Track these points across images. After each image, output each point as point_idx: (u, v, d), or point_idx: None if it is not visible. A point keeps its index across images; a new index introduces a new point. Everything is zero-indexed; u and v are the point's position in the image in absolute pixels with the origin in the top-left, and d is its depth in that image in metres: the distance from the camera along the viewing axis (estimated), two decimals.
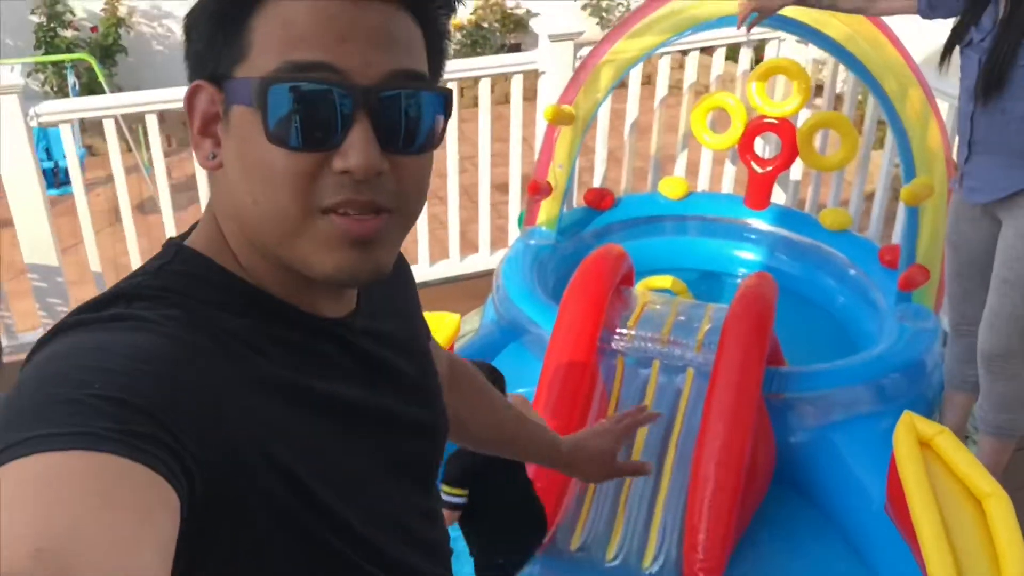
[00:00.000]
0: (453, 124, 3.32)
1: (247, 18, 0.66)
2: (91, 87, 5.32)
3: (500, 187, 3.83)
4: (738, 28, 2.62)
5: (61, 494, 0.51)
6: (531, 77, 3.50)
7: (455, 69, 3.29)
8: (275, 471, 0.68)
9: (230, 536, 0.66)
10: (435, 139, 0.71)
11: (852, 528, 2.43)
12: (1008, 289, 2.36)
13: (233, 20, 0.67)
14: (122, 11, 5.82)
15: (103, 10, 5.78)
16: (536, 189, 3.12)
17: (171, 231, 3.27)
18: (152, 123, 3.02)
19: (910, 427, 2.22)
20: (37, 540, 0.48)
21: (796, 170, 3.82)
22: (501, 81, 3.51)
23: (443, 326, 2.58)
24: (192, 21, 0.71)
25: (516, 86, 3.44)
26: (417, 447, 0.86)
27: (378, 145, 0.66)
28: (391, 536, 0.80)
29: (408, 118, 0.68)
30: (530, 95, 3.55)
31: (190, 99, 0.70)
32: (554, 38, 3.32)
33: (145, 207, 4.69)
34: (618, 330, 2.60)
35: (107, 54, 5.71)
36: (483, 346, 2.89)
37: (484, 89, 3.40)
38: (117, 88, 5.55)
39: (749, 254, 3.57)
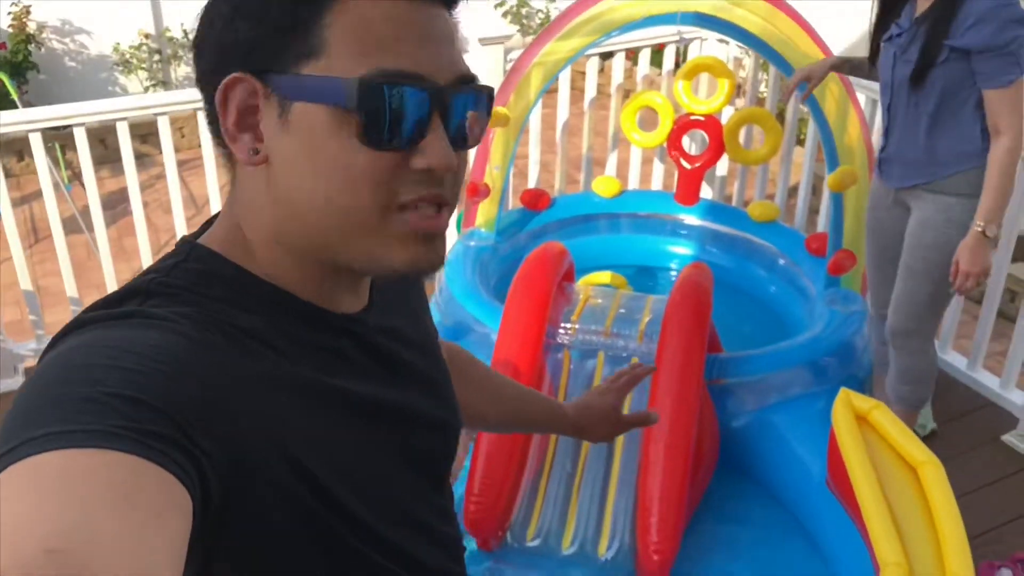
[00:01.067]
0: None
1: (320, 16, 0.65)
2: (2, 104, 5.16)
3: None
4: (785, 100, 2.71)
5: (74, 492, 0.51)
6: None
7: None
8: (292, 469, 0.67)
9: (247, 534, 0.65)
10: (481, 136, 0.74)
11: (796, 504, 2.52)
12: (909, 275, 2.51)
13: (306, 16, 0.65)
14: (31, 27, 5.67)
15: (11, 26, 5.61)
16: (474, 191, 3.16)
17: (104, 247, 3.20)
18: (81, 136, 2.96)
19: (847, 403, 2.31)
20: (48, 539, 0.48)
21: (722, 166, 3.94)
22: None
23: None
24: (231, 12, 0.67)
25: None
26: (433, 443, 0.87)
27: (449, 143, 0.69)
28: (409, 533, 0.81)
29: (467, 117, 0.71)
30: None
31: (226, 91, 0.67)
32: (484, 41, 3.36)
33: (67, 226, 4.56)
34: (562, 324, 2.65)
35: (17, 71, 5.54)
36: None
37: None
38: (29, 104, 5.40)
39: (682, 248, 3.67)
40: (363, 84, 0.65)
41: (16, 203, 4.77)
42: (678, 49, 3.81)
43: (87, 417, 0.55)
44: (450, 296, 2.99)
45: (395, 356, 0.82)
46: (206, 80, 0.70)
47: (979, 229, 2.28)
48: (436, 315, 3.09)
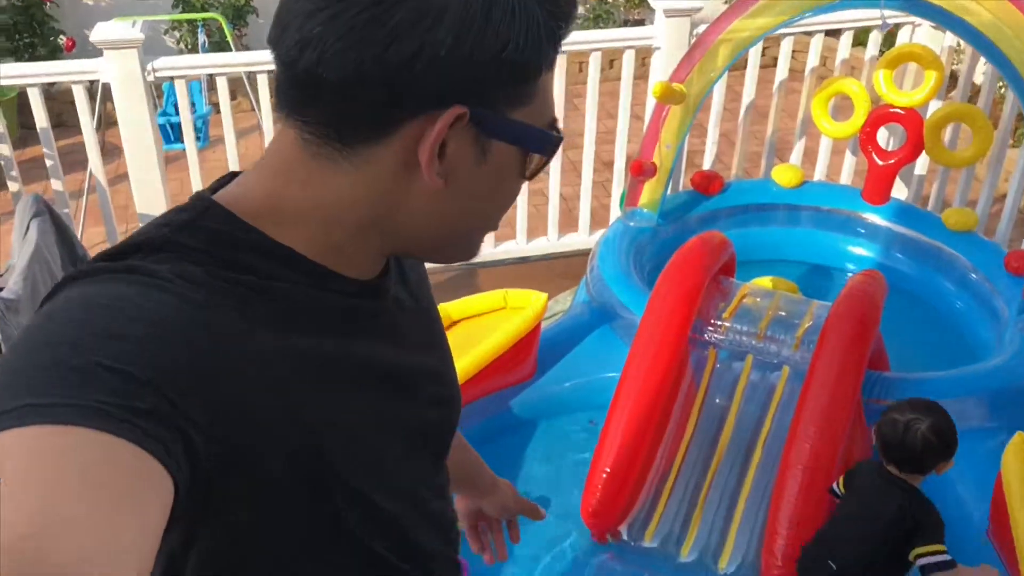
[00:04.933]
0: (563, 98, 3.26)
1: (544, 69, 0.69)
2: (220, 46, 5.46)
3: (607, 165, 3.74)
4: None
5: (45, 473, 0.50)
6: (644, 54, 3.39)
7: (567, 41, 3.21)
8: (296, 443, 0.66)
9: (241, 509, 0.65)
10: None
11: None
12: None
13: (538, 65, 0.68)
14: None
15: None
16: (639, 169, 3.03)
17: None
18: (263, 83, 3.06)
19: (1022, 448, 2.05)
20: (16, 525, 0.47)
21: (920, 165, 3.60)
22: (619, 58, 3.39)
23: (529, 304, 2.54)
24: (454, 42, 0.62)
25: (628, 62, 3.34)
26: (438, 418, 0.86)
27: None
28: (405, 508, 0.81)
29: None
30: (643, 73, 3.44)
31: (452, 121, 0.65)
32: (669, 13, 3.20)
33: None
34: (713, 320, 2.50)
35: (238, 15, 5.85)
36: (571, 327, 2.84)
37: (594, 63, 3.32)
38: (244, 48, 5.69)
39: (863, 250, 3.39)
40: (556, 135, 0.72)
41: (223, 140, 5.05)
42: (883, 33, 3.48)
43: (68, 390, 0.54)
44: (599, 276, 2.90)
45: (407, 326, 0.82)
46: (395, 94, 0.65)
47: None
48: (583, 295, 3.01)
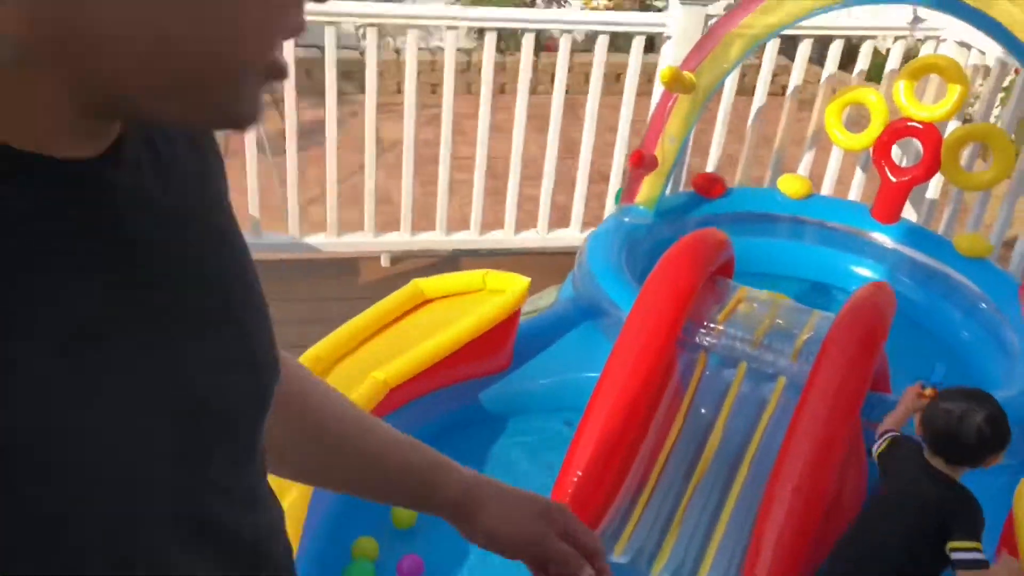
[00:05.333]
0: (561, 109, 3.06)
1: None
2: None
3: (603, 176, 3.55)
4: None
5: None
6: (650, 70, 3.19)
7: (569, 20, 3.05)
8: None
9: None
10: None
11: None
12: None
13: None
14: None
15: None
16: (639, 160, 2.84)
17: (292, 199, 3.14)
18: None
19: None
20: None
21: (932, 188, 3.43)
22: (624, 72, 3.20)
23: (510, 287, 2.34)
24: None
25: (636, 49, 3.16)
26: (224, 388, 0.56)
27: None
28: (170, 539, 0.53)
29: None
30: (646, 90, 3.23)
31: None
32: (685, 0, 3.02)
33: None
34: (705, 323, 2.30)
35: None
36: (554, 321, 2.64)
37: (600, 48, 3.13)
38: None
39: (868, 271, 3.20)
40: None
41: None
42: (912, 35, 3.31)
43: None
44: (588, 271, 2.70)
45: (154, 240, 0.51)
46: None
47: None
48: (569, 290, 2.82)
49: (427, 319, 2.31)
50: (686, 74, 2.75)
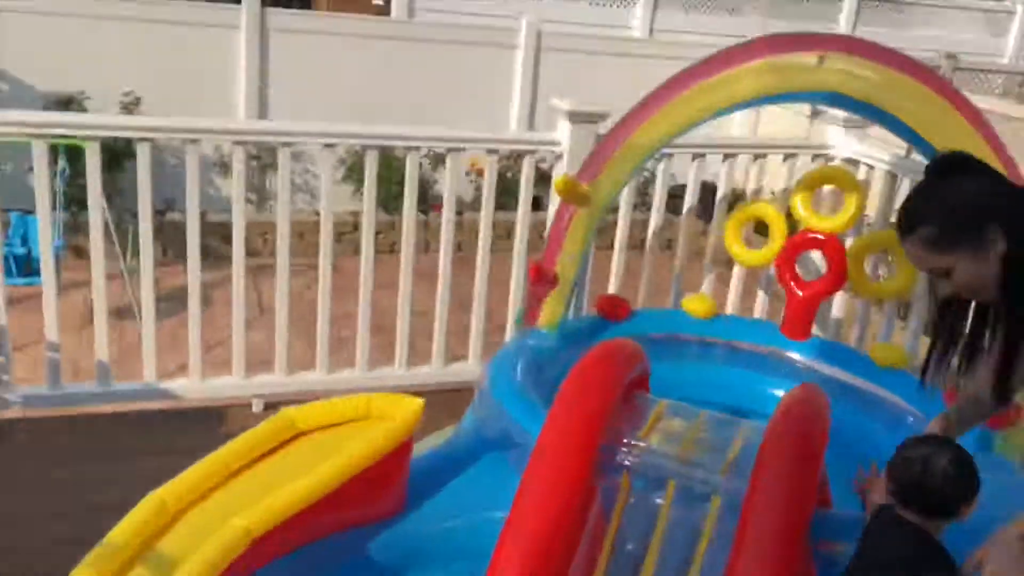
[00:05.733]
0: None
1: None
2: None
3: (499, 315, 3.36)
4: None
5: None
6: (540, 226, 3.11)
7: (456, 139, 2.90)
8: None
9: None
10: None
11: None
12: None
13: None
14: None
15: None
16: (539, 275, 2.63)
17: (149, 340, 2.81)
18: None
19: None
20: None
21: (836, 307, 3.33)
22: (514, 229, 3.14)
23: (399, 411, 2.03)
24: None
25: (527, 168, 3.03)
26: None
27: None
28: None
29: None
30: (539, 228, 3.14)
31: None
32: (575, 117, 2.92)
33: (122, 313, 4.24)
34: (625, 441, 2.02)
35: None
36: (452, 454, 2.32)
37: (492, 169, 2.98)
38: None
39: (783, 391, 3.00)
40: None
41: (78, 285, 4.47)
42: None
43: None
44: (490, 395, 2.41)
45: None
46: None
47: None
48: (470, 419, 2.51)
49: (300, 455, 1.95)
50: (581, 186, 2.60)
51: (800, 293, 3.00)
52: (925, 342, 3.10)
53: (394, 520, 2.09)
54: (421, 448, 2.70)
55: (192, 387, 2.91)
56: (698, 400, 2.93)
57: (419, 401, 2.02)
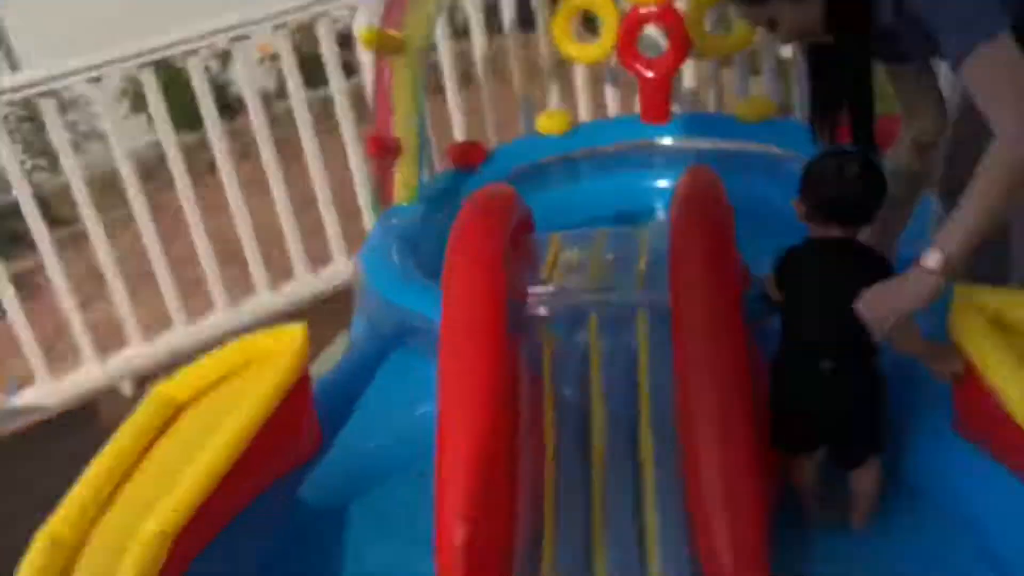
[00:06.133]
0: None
1: None
2: None
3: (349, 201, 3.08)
4: None
5: None
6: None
7: (233, 27, 2.56)
8: None
9: None
10: None
11: (903, 464, 1.73)
12: None
13: None
14: None
15: None
16: (379, 147, 2.36)
17: None
18: None
19: (968, 302, 1.54)
20: None
21: (687, 77, 3.18)
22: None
23: (283, 345, 1.79)
24: None
25: (325, 33, 2.70)
26: None
27: None
28: None
29: None
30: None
31: None
32: None
33: None
34: (531, 287, 1.85)
35: None
36: (353, 368, 2.11)
37: (286, 48, 2.64)
38: None
39: (665, 181, 2.88)
40: None
41: None
42: None
43: None
44: (376, 295, 2.19)
45: None
46: None
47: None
48: (359, 326, 2.30)
49: (190, 431, 1.71)
50: (390, 32, 2.30)
51: (650, 74, 2.83)
52: (788, 90, 3.03)
53: (318, 457, 1.89)
54: (320, 370, 2.50)
55: (46, 392, 2.59)
56: (588, 219, 2.81)
57: (298, 328, 1.78)
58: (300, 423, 1.82)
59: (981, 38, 1.35)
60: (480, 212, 1.89)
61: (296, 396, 1.77)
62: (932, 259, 1.38)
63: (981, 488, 1.59)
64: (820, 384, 1.58)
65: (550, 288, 1.84)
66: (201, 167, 3.09)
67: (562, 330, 1.86)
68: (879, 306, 1.46)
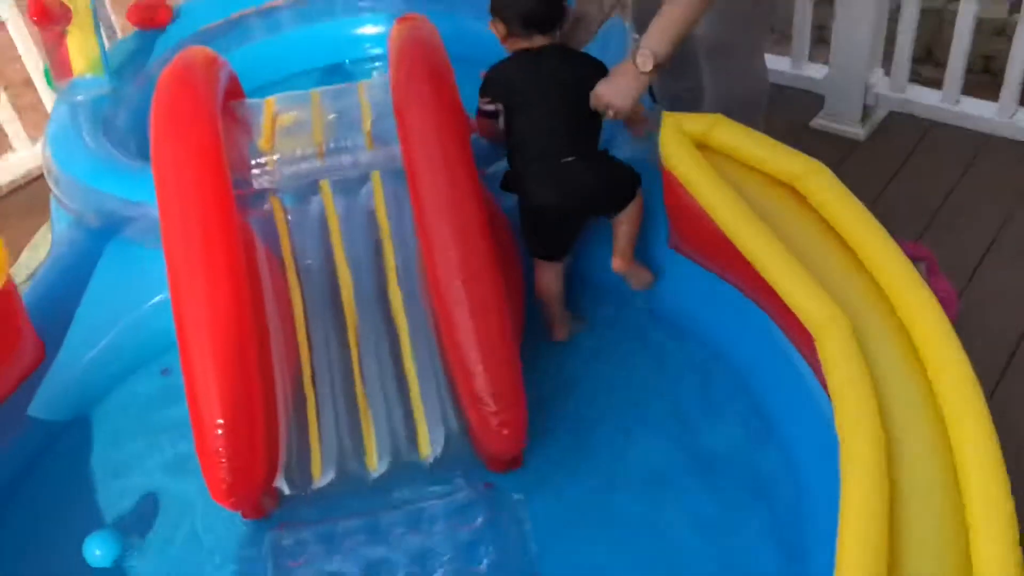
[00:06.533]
0: None
1: None
2: None
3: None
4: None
5: None
6: None
7: None
8: None
9: None
10: None
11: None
12: None
13: None
14: None
15: None
16: (42, 13, 2.05)
17: None
18: None
19: (676, 127, 1.65)
20: None
21: None
22: None
23: None
24: None
25: None
26: None
27: None
28: None
29: None
30: None
31: None
32: None
33: None
34: (253, 161, 1.74)
35: None
36: (66, 267, 1.91)
37: None
38: None
39: (373, 27, 2.78)
40: None
41: None
42: None
43: None
44: (74, 183, 1.97)
45: None
46: None
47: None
48: (61, 220, 2.07)
49: None
50: None
51: None
52: None
53: (42, 371, 1.73)
54: (24, 273, 2.26)
55: None
56: (297, 75, 2.68)
57: None
58: (10, 338, 1.63)
59: None
60: (182, 81, 1.71)
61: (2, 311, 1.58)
62: (644, 57, 1.65)
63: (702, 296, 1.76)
64: (568, 174, 1.72)
65: (275, 157, 1.74)
66: None
67: (293, 200, 1.79)
68: (615, 94, 1.69)
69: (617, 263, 1.81)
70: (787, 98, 2.57)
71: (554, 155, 1.72)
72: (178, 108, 1.65)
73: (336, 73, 2.77)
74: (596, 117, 1.75)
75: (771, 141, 1.60)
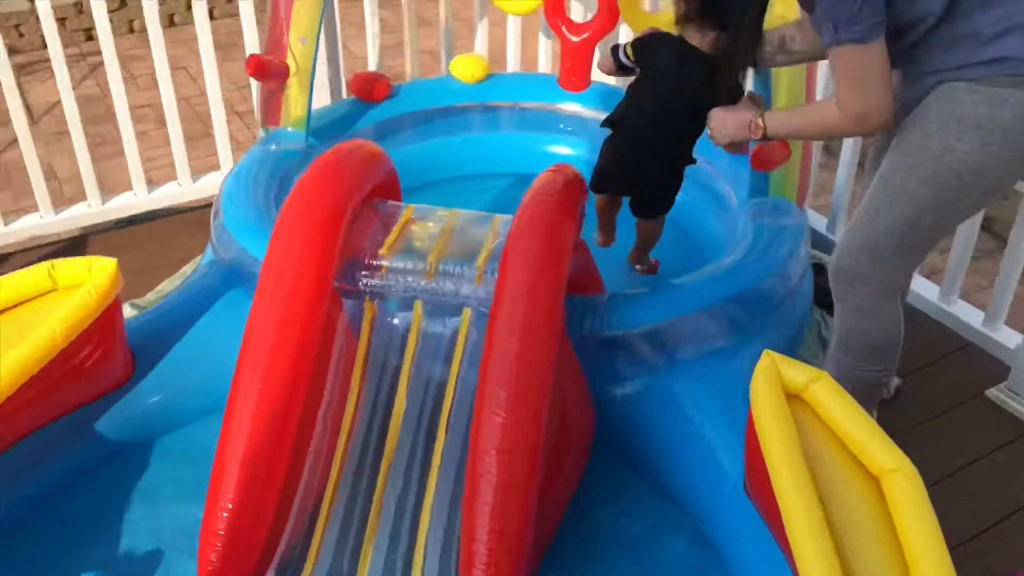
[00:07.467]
0: None
1: None
2: None
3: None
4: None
5: None
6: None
7: None
8: None
9: None
10: None
11: (701, 512, 1.74)
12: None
13: None
14: None
15: None
16: (261, 69, 2.24)
17: None
18: None
19: (772, 373, 1.52)
20: None
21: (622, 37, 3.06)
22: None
23: (90, 276, 1.71)
24: None
25: None
26: None
27: None
28: None
29: None
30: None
31: None
32: None
33: None
34: (368, 261, 1.78)
35: None
36: (188, 300, 2.04)
37: None
38: None
39: (568, 148, 2.81)
40: None
41: None
42: None
43: None
44: (222, 224, 2.12)
45: None
46: None
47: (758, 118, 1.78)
48: (208, 254, 2.23)
49: None
50: None
51: (574, 39, 2.72)
52: None
53: (124, 390, 1.85)
54: (163, 292, 2.43)
55: None
56: (478, 173, 2.75)
57: (111, 262, 1.71)
58: (104, 354, 1.76)
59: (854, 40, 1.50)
60: (331, 165, 1.81)
61: (101, 327, 1.71)
62: (757, 126, 1.75)
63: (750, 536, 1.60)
64: (651, 156, 1.98)
65: (384, 264, 1.77)
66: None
67: (394, 307, 1.81)
68: (719, 126, 1.84)
69: (633, 256, 2.24)
70: (969, 355, 2.30)
71: (654, 145, 1.97)
72: (313, 187, 1.73)
73: (522, 185, 2.80)
74: (703, 126, 1.91)
75: (869, 422, 1.43)
